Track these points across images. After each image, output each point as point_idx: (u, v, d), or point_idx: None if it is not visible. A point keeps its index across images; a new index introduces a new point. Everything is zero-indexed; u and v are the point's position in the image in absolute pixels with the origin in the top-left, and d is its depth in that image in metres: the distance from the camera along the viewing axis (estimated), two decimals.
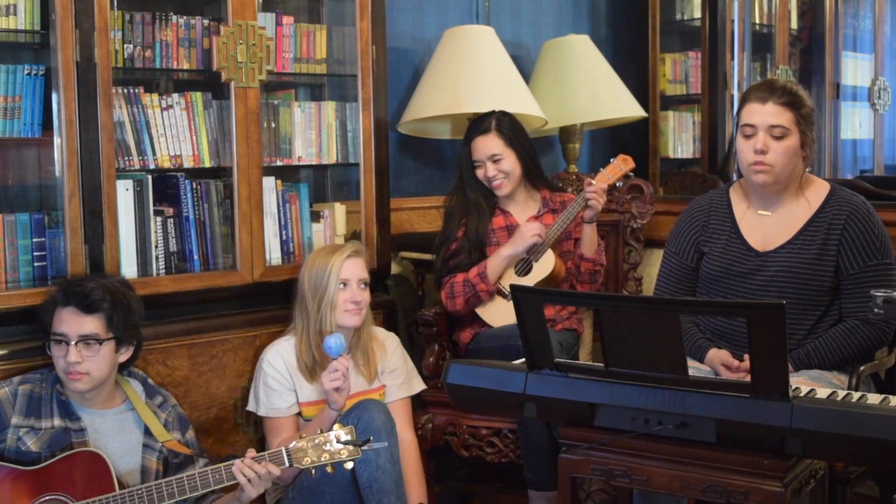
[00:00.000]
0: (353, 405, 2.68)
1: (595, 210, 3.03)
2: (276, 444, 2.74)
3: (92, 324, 2.43)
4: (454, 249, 3.13)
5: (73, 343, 2.40)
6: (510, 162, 3.12)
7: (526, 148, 3.17)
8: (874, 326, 2.49)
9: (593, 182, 3.05)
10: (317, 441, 2.37)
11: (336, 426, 2.40)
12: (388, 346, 2.95)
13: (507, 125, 3.15)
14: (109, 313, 2.44)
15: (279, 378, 2.78)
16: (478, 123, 3.17)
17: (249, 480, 2.34)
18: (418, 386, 3.02)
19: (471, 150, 3.15)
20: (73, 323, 2.42)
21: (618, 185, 3.19)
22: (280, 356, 2.80)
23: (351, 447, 2.37)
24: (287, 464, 2.37)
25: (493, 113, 3.18)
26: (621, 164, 3.12)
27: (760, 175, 2.51)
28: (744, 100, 2.57)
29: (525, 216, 3.19)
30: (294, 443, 2.37)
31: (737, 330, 2.57)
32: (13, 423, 2.42)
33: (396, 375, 2.94)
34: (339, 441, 2.37)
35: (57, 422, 2.44)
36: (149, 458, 2.51)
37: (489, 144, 3.12)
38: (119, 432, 2.50)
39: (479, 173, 3.15)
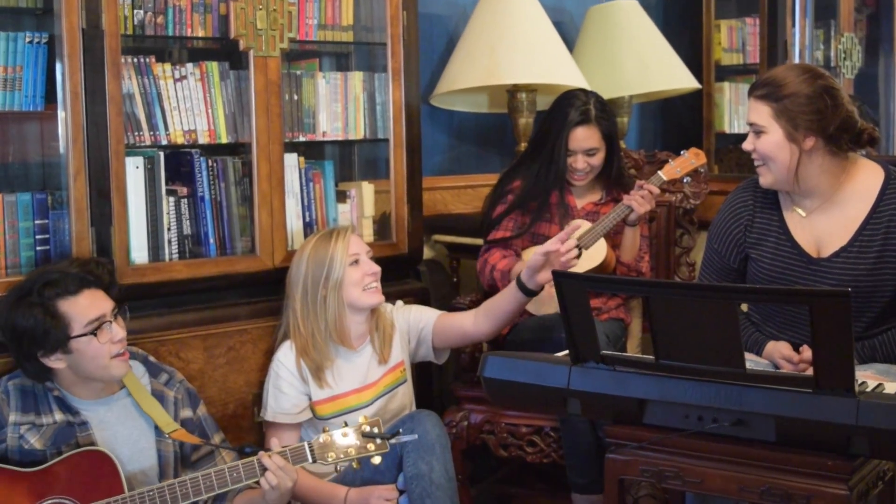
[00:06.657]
0: (407, 415, 2.65)
1: (638, 214, 2.95)
2: None
3: (105, 297, 2.40)
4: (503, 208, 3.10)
5: (111, 321, 2.35)
6: (601, 157, 3.08)
7: (616, 143, 3.13)
8: None
9: (661, 174, 2.99)
10: (342, 433, 2.32)
11: (361, 417, 2.36)
12: (397, 318, 2.87)
13: (607, 117, 3.09)
14: (106, 282, 2.44)
15: (290, 379, 2.71)
16: (579, 109, 3.04)
17: (271, 486, 2.29)
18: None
19: (569, 138, 3.05)
20: (100, 301, 2.36)
21: (685, 180, 3.11)
22: (293, 353, 2.73)
23: (378, 440, 2.32)
24: (310, 459, 2.31)
25: (591, 96, 3.10)
26: (692, 159, 3.04)
27: (761, 177, 2.43)
28: None
29: (586, 200, 3.15)
30: (316, 437, 2.33)
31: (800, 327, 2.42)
32: (11, 420, 2.35)
33: (419, 316, 2.88)
34: (364, 435, 2.32)
35: (59, 416, 2.38)
36: (163, 441, 2.47)
37: (591, 138, 3.05)
38: (126, 419, 2.44)
39: (569, 161, 3.08)
